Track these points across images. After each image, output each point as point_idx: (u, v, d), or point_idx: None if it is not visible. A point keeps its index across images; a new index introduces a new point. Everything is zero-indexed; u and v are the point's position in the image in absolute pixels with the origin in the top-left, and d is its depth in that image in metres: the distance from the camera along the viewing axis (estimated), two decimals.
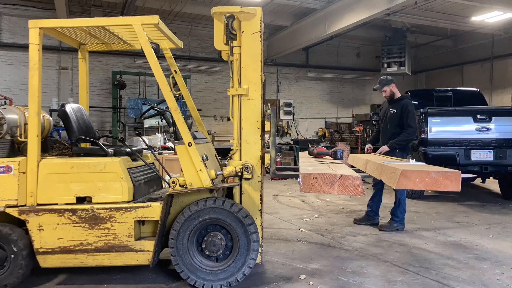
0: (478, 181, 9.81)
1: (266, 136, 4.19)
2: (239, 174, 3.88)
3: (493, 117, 7.72)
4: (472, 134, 7.72)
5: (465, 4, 11.30)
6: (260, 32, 3.90)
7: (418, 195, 8.59)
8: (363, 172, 4.44)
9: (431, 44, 16.15)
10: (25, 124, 4.11)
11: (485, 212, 7.21)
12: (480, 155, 7.69)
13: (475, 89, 10.74)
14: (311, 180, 3.24)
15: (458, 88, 11.65)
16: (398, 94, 6.15)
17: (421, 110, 8.02)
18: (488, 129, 7.70)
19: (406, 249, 4.96)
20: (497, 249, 4.98)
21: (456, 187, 3.20)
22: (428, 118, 7.83)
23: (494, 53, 14.99)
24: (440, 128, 7.84)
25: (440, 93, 10.18)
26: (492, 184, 10.23)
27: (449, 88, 10.50)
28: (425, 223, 6.41)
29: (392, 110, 6.01)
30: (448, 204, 7.97)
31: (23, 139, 4.09)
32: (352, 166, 5.30)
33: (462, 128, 7.80)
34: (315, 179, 3.23)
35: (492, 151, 7.65)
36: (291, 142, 15.43)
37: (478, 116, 7.76)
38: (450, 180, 3.22)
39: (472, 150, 7.68)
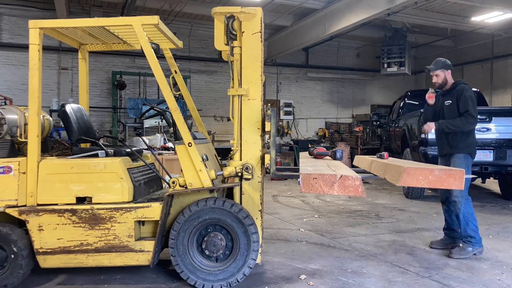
0: (478, 181, 9.80)
1: (266, 136, 4.19)
2: (239, 174, 3.88)
3: (493, 117, 7.71)
4: None
5: (465, 4, 11.31)
6: (261, 32, 3.90)
7: (418, 195, 8.58)
8: (368, 172, 4.44)
9: (431, 44, 16.16)
10: (25, 124, 4.11)
11: (485, 213, 7.21)
12: (480, 155, 7.65)
13: (475, 89, 10.70)
14: (311, 180, 3.24)
15: None
16: (451, 82, 4.97)
17: (421, 110, 8.01)
18: (488, 129, 7.69)
19: (406, 249, 4.96)
20: (497, 249, 4.98)
21: (459, 185, 3.23)
22: None
23: (494, 53, 15.00)
24: None
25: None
26: (492, 184, 10.23)
27: None
28: (425, 223, 6.41)
29: (447, 102, 4.90)
30: None
31: (23, 139, 4.09)
32: (354, 166, 5.30)
33: None
34: (315, 180, 3.23)
35: (492, 151, 7.64)
36: (291, 142, 15.45)
37: (478, 116, 7.74)
38: (454, 178, 3.24)
39: None
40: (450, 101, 4.87)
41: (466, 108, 4.72)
